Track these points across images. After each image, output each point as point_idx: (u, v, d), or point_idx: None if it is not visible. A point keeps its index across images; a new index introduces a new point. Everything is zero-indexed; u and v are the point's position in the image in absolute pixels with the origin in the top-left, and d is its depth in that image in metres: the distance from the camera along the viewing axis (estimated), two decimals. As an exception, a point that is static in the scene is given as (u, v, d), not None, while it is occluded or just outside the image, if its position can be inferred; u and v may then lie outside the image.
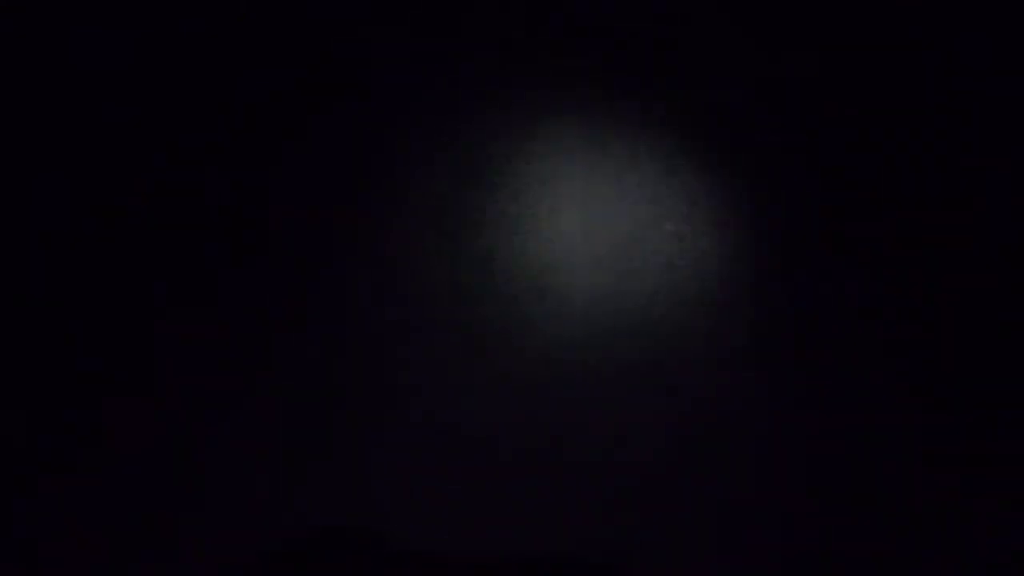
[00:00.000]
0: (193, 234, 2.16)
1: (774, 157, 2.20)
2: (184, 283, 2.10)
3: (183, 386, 1.95)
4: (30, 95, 2.31)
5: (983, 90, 2.23)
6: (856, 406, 1.92)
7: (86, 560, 1.75)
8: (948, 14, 2.23)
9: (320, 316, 2.06)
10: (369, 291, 2.09)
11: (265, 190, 2.22)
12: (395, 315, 2.07)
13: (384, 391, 1.97)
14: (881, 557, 1.74)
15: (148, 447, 1.88)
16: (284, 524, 1.81)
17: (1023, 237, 1.95)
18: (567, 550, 1.77)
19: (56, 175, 2.23)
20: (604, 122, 2.33)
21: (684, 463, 1.87)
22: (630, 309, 2.04)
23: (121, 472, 1.86)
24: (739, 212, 2.16)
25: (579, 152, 2.31)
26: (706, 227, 2.13)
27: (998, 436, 1.85)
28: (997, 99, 2.21)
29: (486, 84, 2.40)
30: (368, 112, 2.34)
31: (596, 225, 2.14)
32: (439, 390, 1.96)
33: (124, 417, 1.91)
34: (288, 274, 2.12)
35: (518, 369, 1.98)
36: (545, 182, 2.24)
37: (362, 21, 2.43)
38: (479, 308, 2.06)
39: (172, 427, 1.90)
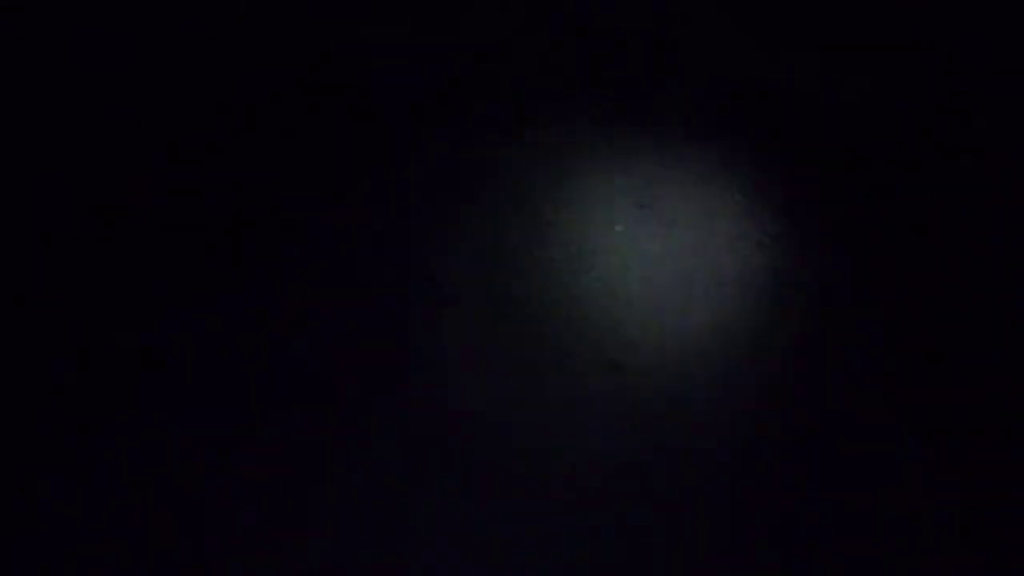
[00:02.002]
0: (193, 235, 2.16)
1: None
2: (184, 284, 2.10)
3: (180, 391, 1.95)
4: (30, 95, 2.31)
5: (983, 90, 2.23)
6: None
7: None
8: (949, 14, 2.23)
9: (320, 324, 2.06)
10: (376, 299, 2.09)
11: (265, 190, 2.22)
12: (404, 330, 2.07)
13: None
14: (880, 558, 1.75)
15: (143, 455, 1.88)
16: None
17: None
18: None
19: (56, 175, 2.23)
20: (615, 121, 2.34)
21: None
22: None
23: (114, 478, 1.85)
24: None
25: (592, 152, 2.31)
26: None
27: (1002, 437, 1.85)
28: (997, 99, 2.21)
29: (485, 85, 2.40)
30: (368, 112, 2.33)
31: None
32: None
33: (114, 425, 1.91)
34: (290, 278, 2.11)
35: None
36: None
37: (362, 21, 2.43)
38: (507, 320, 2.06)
39: (169, 434, 1.90)
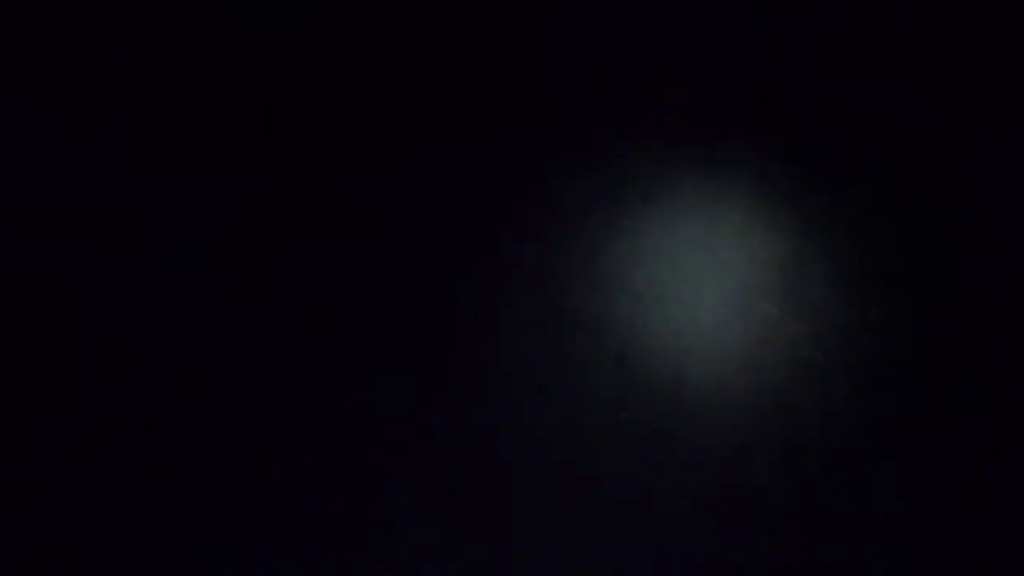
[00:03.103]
0: (196, 237, 2.15)
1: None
2: (184, 288, 2.08)
3: (178, 395, 1.95)
4: (30, 95, 2.29)
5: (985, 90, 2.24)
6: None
7: None
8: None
9: (317, 325, 2.05)
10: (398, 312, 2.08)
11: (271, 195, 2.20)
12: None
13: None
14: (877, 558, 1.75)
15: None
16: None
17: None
18: None
19: (59, 175, 2.21)
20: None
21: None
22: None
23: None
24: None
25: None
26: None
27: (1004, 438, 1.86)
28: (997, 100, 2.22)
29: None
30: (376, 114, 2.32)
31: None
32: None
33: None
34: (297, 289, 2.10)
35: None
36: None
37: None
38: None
39: (170, 436, 1.89)
